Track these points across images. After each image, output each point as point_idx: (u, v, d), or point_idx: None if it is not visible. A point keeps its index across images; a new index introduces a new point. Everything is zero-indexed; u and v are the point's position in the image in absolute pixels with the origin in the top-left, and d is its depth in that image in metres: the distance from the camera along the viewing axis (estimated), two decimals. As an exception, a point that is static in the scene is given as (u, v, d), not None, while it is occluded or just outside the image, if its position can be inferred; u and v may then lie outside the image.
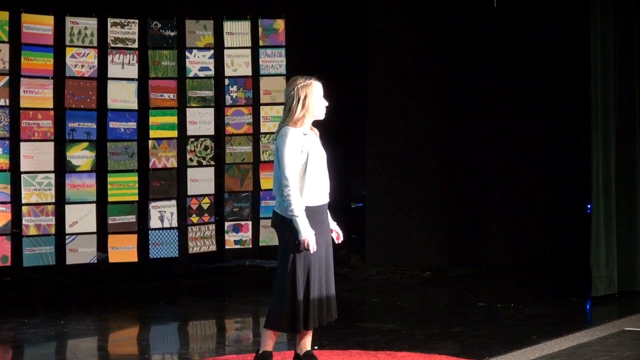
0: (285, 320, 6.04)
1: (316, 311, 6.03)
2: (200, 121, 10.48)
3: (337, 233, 6.28)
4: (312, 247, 5.92)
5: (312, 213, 6.01)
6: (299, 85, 6.08)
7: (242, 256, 11.92)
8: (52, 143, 9.87)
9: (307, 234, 5.92)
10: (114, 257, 10.13)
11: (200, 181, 10.50)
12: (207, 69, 10.51)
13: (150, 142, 10.31)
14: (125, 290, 10.43)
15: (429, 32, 11.29)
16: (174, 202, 10.37)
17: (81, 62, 10.03)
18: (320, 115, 6.12)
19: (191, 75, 10.46)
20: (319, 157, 6.08)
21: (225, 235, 10.60)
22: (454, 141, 11.40)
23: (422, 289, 10.22)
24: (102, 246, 10.13)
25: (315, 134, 6.18)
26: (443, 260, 11.29)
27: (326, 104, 6.14)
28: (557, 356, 6.85)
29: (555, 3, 11.09)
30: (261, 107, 10.67)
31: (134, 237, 10.17)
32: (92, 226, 10.00)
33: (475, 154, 11.43)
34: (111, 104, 10.16)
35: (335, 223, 6.28)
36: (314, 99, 6.07)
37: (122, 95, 10.18)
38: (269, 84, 10.61)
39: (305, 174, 6.00)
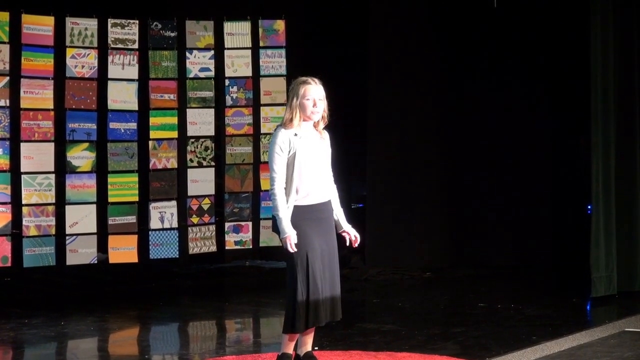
0: (290, 321, 6.05)
1: (317, 311, 6.02)
2: (201, 122, 10.49)
3: (348, 234, 6.25)
4: (290, 247, 5.94)
5: (305, 211, 6.04)
6: (292, 86, 6.14)
7: (242, 257, 11.92)
8: (53, 144, 9.88)
9: (286, 232, 5.95)
10: (114, 257, 10.14)
11: (201, 182, 10.51)
12: (208, 69, 10.52)
13: (150, 142, 10.32)
14: (126, 291, 10.43)
15: (430, 32, 11.29)
16: (174, 202, 10.38)
17: (81, 62, 10.04)
18: (310, 116, 6.10)
19: (191, 75, 10.46)
20: (314, 157, 6.08)
21: (226, 236, 10.61)
22: (454, 141, 11.40)
23: (422, 289, 10.22)
24: (102, 247, 10.14)
25: (319, 136, 6.18)
26: (443, 261, 11.29)
27: (316, 105, 6.09)
28: (557, 357, 6.85)
29: (555, 3, 11.09)
30: (261, 107, 10.67)
31: (134, 237, 10.17)
32: (92, 227, 10.00)
33: (475, 155, 11.43)
34: (111, 104, 10.17)
35: (350, 226, 6.27)
36: (302, 100, 6.07)
37: (122, 95, 10.18)
38: (269, 84, 10.62)
39: (293, 174, 6.02)
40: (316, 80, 6.16)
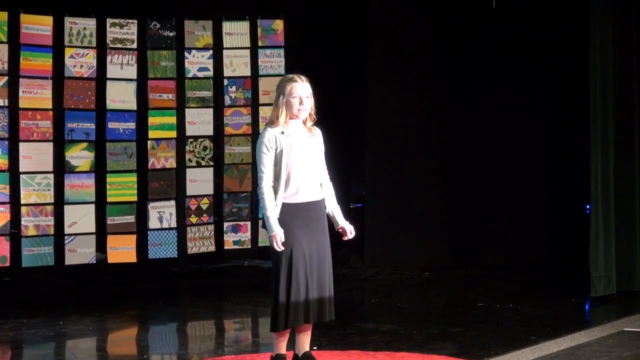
0: (273, 319, 6.05)
1: (297, 311, 5.99)
2: (199, 121, 10.48)
3: (344, 229, 6.23)
4: (277, 245, 5.93)
5: (293, 209, 6.02)
6: (278, 84, 6.12)
7: (241, 257, 11.90)
8: (51, 143, 9.87)
9: (273, 231, 5.94)
10: (113, 257, 10.13)
11: (199, 181, 10.50)
12: (206, 69, 10.51)
13: (149, 142, 10.31)
14: (124, 291, 10.43)
15: (428, 32, 11.28)
16: (173, 202, 10.37)
17: (80, 62, 10.02)
18: (297, 114, 6.08)
19: (190, 75, 10.45)
20: (303, 155, 6.06)
21: (224, 235, 10.60)
22: (453, 141, 11.39)
23: (421, 289, 10.22)
24: (101, 247, 10.13)
25: (309, 134, 6.15)
26: (442, 260, 11.29)
27: (303, 103, 6.06)
28: (556, 356, 6.85)
29: (554, 3, 11.08)
30: (260, 107, 10.66)
31: (133, 237, 10.16)
32: (91, 227, 9.99)
33: (475, 155, 11.43)
34: (110, 104, 10.16)
35: (347, 222, 6.24)
36: (289, 97, 6.06)
37: (121, 95, 10.17)
38: (268, 84, 10.60)
39: (282, 172, 6.01)
40: (303, 77, 6.14)
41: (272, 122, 6.10)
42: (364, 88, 11.35)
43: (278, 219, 6.00)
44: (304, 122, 6.15)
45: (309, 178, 6.10)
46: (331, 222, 6.25)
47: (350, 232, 6.23)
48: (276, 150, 6.02)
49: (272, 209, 5.98)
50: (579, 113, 10.38)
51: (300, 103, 6.07)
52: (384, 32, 11.22)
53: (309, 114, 6.14)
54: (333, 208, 6.23)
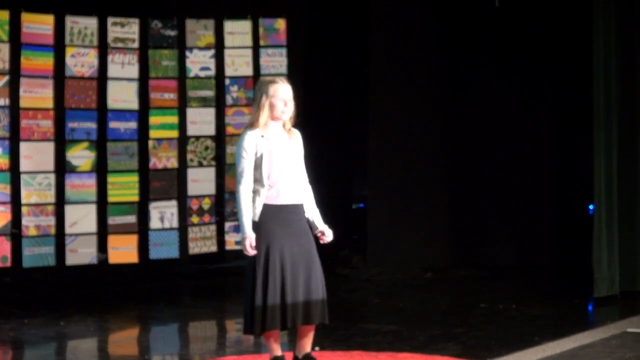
0: (248, 323, 6.02)
1: (274, 314, 5.95)
2: (201, 121, 10.46)
3: (323, 232, 6.19)
4: (249, 249, 5.88)
5: (274, 210, 6.00)
6: (258, 86, 6.08)
7: (242, 257, 11.83)
8: (52, 143, 9.84)
9: (245, 234, 5.95)
10: (114, 257, 10.10)
11: (201, 181, 10.48)
12: (208, 68, 10.48)
13: (150, 142, 10.28)
14: (126, 291, 10.41)
15: (431, 32, 11.27)
16: (174, 202, 10.34)
17: (81, 61, 10.00)
18: (280, 116, 6.05)
19: (192, 75, 10.43)
20: (283, 158, 6.04)
21: (226, 235, 10.57)
22: (455, 141, 11.37)
23: (423, 290, 10.20)
24: (102, 247, 10.11)
25: (288, 136, 6.12)
26: (445, 261, 11.26)
27: (288, 105, 6.05)
28: (559, 357, 6.84)
29: (557, 3, 11.07)
30: (262, 107, 10.62)
31: (134, 237, 10.14)
32: (92, 227, 9.97)
33: (477, 155, 11.40)
34: (111, 103, 10.13)
35: (326, 226, 6.21)
36: (272, 99, 6.03)
37: (122, 95, 10.15)
38: (269, 84, 10.56)
39: (262, 175, 5.98)
40: (284, 79, 6.13)
41: (251, 124, 6.06)
42: (366, 87, 11.33)
43: (259, 220, 5.98)
44: (284, 125, 6.12)
45: (289, 181, 6.07)
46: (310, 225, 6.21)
47: (328, 235, 6.19)
48: (256, 154, 5.99)
49: (247, 213, 5.98)
50: (583, 113, 10.36)
51: (285, 105, 6.05)
52: (386, 31, 11.21)
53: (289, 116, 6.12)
54: (312, 211, 6.21)
